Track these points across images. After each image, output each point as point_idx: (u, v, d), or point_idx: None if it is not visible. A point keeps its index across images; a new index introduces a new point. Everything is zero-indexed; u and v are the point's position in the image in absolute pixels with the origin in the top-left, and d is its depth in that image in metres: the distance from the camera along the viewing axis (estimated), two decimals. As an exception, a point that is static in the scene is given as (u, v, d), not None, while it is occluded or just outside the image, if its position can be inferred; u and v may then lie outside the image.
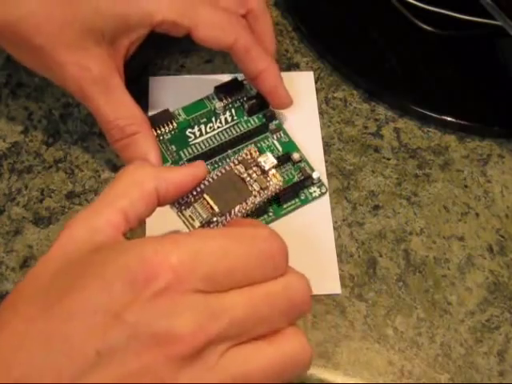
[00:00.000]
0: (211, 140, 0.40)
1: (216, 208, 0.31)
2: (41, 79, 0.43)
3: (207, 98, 0.41)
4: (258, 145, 0.40)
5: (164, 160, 0.39)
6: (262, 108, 0.41)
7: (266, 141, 0.40)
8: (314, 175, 0.38)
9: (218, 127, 0.40)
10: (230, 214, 0.32)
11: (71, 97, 0.42)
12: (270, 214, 0.38)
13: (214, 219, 0.31)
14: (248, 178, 0.33)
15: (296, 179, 0.39)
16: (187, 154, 0.39)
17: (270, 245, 0.26)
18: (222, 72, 0.44)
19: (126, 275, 0.24)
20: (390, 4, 0.46)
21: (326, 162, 0.40)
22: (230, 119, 0.40)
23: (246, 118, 0.41)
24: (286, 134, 0.40)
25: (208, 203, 0.32)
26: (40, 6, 0.35)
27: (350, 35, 0.46)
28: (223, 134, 0.40)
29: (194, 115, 0.40)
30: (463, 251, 0.38)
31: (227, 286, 0.25)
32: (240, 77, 0.41)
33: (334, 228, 0.38)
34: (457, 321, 0.35)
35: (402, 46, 0.45)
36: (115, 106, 0.36)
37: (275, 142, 0.40)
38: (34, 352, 0.23)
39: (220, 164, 0.39)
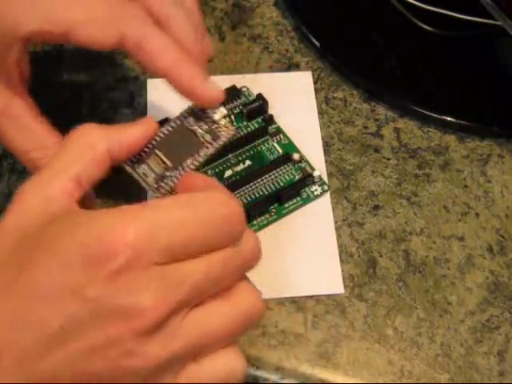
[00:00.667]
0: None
1: (169, 162, 0.31)
2: (41, 79, 0.43)
3: None
4: (259, 148, 0.40)
5: None
6: (260, 113, 0.41)
7: (266, 144, 0.40)
8: (315, 173, 0.39)
9: None
10: (182, 168, 0.31)
11: (71, 97, 0.42)
12: (272, 213, 0.38)
13: (167, 173, 0.31)
14: (199, 130, 0.32)
15: (297, 179, 0.39)
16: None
17: (226, 209, 0.26)
18: (222, 72, 0.44)
19: (85, 253, 0.24)
20: (390, 4, 0.46)
21: (326, 162, 0.40)
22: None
23: (245, 123, 0.41)
24: (285, 136, 0.40)
25: (160, 158, 0.31)
26: None
27: (350, 35, 0.46)
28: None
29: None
30: (463, 251, 0.38)
31: (186, 254, 0.25)
32: (238, 83, 0.41)
33: (334, 228, 0.38)
34: (457, 321, 0.35)
35: (401, 46, 0.45)
36: (23, 138, 0.33)
37: (275, 145, 0.40)
38: None
39: (221, 168, 0.39)
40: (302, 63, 0.44)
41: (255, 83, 0.42)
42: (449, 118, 0.42)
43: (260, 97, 0.41)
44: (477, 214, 0.39)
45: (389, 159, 0.41)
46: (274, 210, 0.38)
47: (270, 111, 0.41)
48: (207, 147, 0.32)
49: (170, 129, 0.32)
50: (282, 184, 0.38)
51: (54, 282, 0.24)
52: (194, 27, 0.33)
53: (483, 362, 0.34)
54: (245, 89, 0.42)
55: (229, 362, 0.27)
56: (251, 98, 0.41)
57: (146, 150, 0.31)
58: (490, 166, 0.41)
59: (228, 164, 0.39)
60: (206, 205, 0.26)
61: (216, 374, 0.26)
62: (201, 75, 0.32)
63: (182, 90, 0.32)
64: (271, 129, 0.41)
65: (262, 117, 0.41)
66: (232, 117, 0.41)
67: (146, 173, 0.31)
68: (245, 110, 0.40)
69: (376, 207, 0.39)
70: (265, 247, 0.37)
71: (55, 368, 0.24)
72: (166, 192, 0.31)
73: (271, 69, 0.44)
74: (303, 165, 0.39)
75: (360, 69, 0.44)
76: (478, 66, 0.44)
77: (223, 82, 0.42)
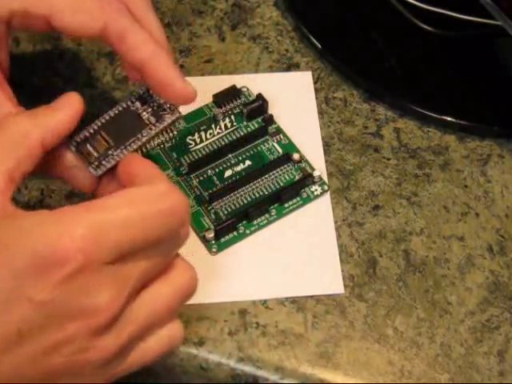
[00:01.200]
0: (212, 146, 0.40)
1: (112, 142, 0.32)
2: (41, 79, 0.43)
3: (206, 106, 0.41)
4: (259, 148, 0.40)
5: (165, 168, 0.39)
6: (260, 113, 0.41)
7: (265, 144, 0.40)
8: (315, 173, 0.39)
9: (218, 133, 0.40)
10: (125, 147, 0.32)
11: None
12: (273, 213, 0.38)
13: (109, 152, 0.32)
14: (144, 113, 0.33)
15: (297, 179, 0.39)
16: (188, 160, 0.39)
17: (169, 202, 0.27)
18: (222, 72, 0.44)
19: (35, 260, 0.24)
20: (390, 4, 0.46)
21: (326, 162, 0.40)
22: (229, 125, 0.40)
23: (245, 123, 0.41)
24: (285, 136, 0.40)
25: (104, 139, 0.32)
26: None
27: (350, 35, 0.46)
28: (223, 140, 0.40)
29: (193, 123, 0.40)
30: (463, 251, 0.38)
31: (134, 250, 0.26)
32: (238, 83, 0.42)
33: (334, 228, 0.38)
34: (457, 321, 0.35)
35: (401, 46, 0.45)
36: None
37: (275, 145, 0.40)
38: None
39: (221, 168, 0.39)
40: (301, 63, 0.44)
41: (255, 83, 0.42)
42: (449, 118, 0.42)
43: (260, 97, 0.41)
44: (477, 214, 0.39)
45: (389, 159, 0.41)
46: (274, 210, 0.38)
47: (270, 111, 0.41)
48: (150, 128, 0.33)
49: (116, 111, 0.33)
50: (281, 184, 0.38)
51: (6, 290, 0.24)
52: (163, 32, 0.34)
53: (483, 362, 0.34)
54: (245, 89, 0.42)
55: (170, 331, 0.29)
56: (251, 98, 0.41)
57: (91, 130, 0.32)
58: (490, 166, 0.41)
59: (228, 164, 0.39)
60: (148, 200, 0.27)
61: (161, 346, 0.29)
62: (177, 70, 0.32)
63: (158, 83, 0.32)
64: (271, 129, 0.41)
65: (262, 117, 0.41)
66: (232, 117, 0.41)
67: (90, 152, 0.32)
68: (245, 110, 0.40)
69: (376, 207, 0.39)
70: (265, 247, 0.37)
71: (16, 366, 0.25)
72: (105, 170, 0.32)
73: (271, 69, 0.44)
74: (303, 165, 0.39)
75: (360, 69, 0.44)
76: (478, 66, 0.44)
77: (223, 82, 0.42)
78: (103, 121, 0.33)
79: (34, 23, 0.32)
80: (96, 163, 0.32)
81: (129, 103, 0.33)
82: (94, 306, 0.25)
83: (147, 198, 0.27)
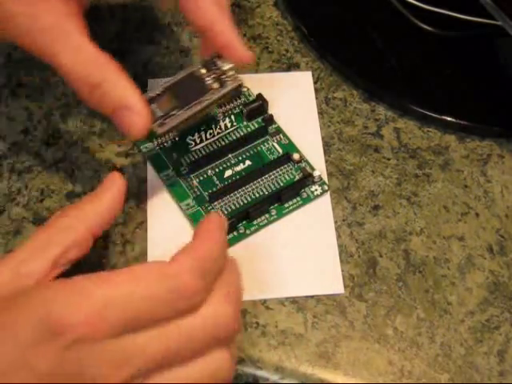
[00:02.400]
0: (212, 146, 0.40)
1: (176, 102, 0.35)
2: (41, 79, 0.43)
3: None
4: (259, 148, 0.40)
5: (165, 167, 0.39)
6: (260, 113, 0.41)
7: (265, 144, 0.40)
8: (315, 173, 0.39)
9: (218, 133, 0.40)
10: (188, 107, 0.35)
11: (71, 97, 0.42)
12: (273, 213, 0.38)
13: (174, 112, 0.34)
14: (207, 78, 0.36)
15: (297, 179, 0.39)
16: (188, 160, 0.39)
17: (178, 282, 0.27)
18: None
19: (38, 329, 0.25)
20: (390, 4, 0.46)
21: (326, 162, 0.40)
22: (229, 125, 0.41)
23: (245, 123, 0.41)
24: (285, 136, 0.40)
25: (168, 99, 0.35)
26: None
27: (350, 35, 0.46)
28: (223, 140, 0.40)
29: (193, 123, 0.40)
30: (463, 251, 0.38)
31: (139, 327, 0.26)
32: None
33: (334, 228, 0.38)
34: (457, 321, 0.35)
35: (401, 46, 0.45)
36: (74, 55, 0.32)
37: (275, 145, 0.40)
38: None
39: (221, 168, 0.39)
40: (301, 63, 0.44)
41: (255, 83, 0.42)
42: (449, 118, 0.42)
43: (260, 97, 0.41)
44: (477, 214, 0.39)
45: (389, 159, 0.41)
46: (274, 210, 0.38)
47: (270, 111, 0.41)
48: (213, 92, 0.35)
49: (181, 76, 0.36)
50: (282, 184, 0.38)
51: (9, 358, 0.25)
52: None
53: (483, 362, 0.34)
54: (245, 89, 0.42)
55: None
56: (251, 98, 0.41)
57: (157, 91, 0.35)
58: (490, 165, 0.41)
59: (228, 164, 0.39)
60: (156, 277, 0.27)
61: None
62: (237, 33, 0.35)
63: (222, 44, 0.35)
64: (271, 129, 0.41)
65: (262, 117, 0.41)
66: (232, 117, 0.41)
67: (154, 110, 0.34)
68: (245, 110, 0.40)
69: (376, 207, 0.39)
70: (265, 247, 0.37)
71: None
72: (168, 128, 0.34)
73: (271, 69, 0.44)
74: (303, 165, 0.39)
75: (360, 69, 0.44)
76: (478, 66, 0.44)
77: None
78: (169, 83, 0.35)
79: None
80: (160, 121, 0.34)
81: (194, 69, 0.36)
82: (91, 379, 0.25)
83: (155, 274, 0.27)
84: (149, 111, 0.33)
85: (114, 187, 0.32)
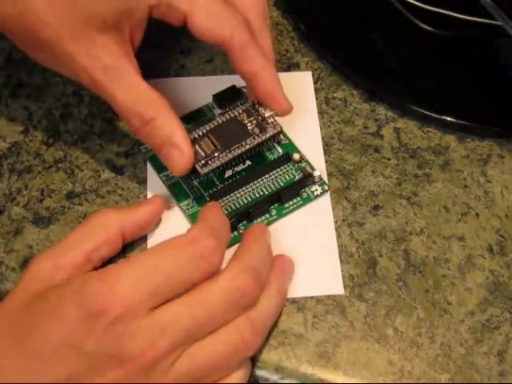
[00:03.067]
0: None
1: (218, 145, 0.37)
2: (41, 79, 0.43)
3: (206, 106, 0.41)
4: (259, 148, 0.40)
5: (164, 168, 0.38)
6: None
7: (266, 143, 0.40)
8: (315, 173, 0.39)
9: None
10: (230, 151, 0.37)
11: (71, 97, 0.42)
12: (273, 213, 0.38)
13: (216, 154, 0.36)
14: (249, 124, 0.38)
15: (297, 179, 0.39)
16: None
17: (197, 247, 0.30)
18: (222, 72, 0.44)
19: (80, 313, 0.28)
20: (390, 4, 0.46)
21: (326, 162, 0.40)
22: None
23: None
24: (285, 136, 0.40)
25: (212, 141, 0.37)
26: None
27: (350, 35, 0.46)
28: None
29: (193, 123, 0.40)
30: (463, 251, 0.38)
31: (168, 295, 0.29)
32: (238, 83, 0.41)
33: (334, 228, 0.38)
34: (457, 321, 0.35)
35: (401, 46, 0.45)
36: (129, 93, 0.35)
37: (275, 145, 0.40)
38: None
39: (221, 168, 0.39)
40: (301, 63, 0.44)
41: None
42: (449, 118, 0.42)
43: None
44: (477, 214, 0.39)
45: (389, 159, 0.41)
46: (274, 210, 0.38)
47: (270, 111, 0.41)
48: (254, 138, 0.37)
49: (224, 119, 0.38)
50: (282, 184, 0.38)
51: (56, 342, 0.28)
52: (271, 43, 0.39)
53: (483, 362, 0.34)
54: (244, 89, 0.42)
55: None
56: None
57: (200, 133, 0.37)
58: (490, 165, 0.41)
59: (228, 164, 0.39)
60: (176, 247, 0.30)
61: None
62: (279, 84, 0.37)
63: (264, 94, 0.37)
64: (271, 129, 0.41)
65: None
66: None
67: (197, 151, 0.36)
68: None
69: (376, 207, 0.39)
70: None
71: None
72: (211, 169, 0.36)
73: (271, 69, 0.44)
74: (303, 165, 0.39)
75: (360, 69, 0.44)
76: (478, 66, 0.44)
77: (223, 81, 0.42)
78: (212, 126, 0.37)
79: (172, 16, 0.35)
80: (203, 162, 0.36)
81: (236, 113, 0.38)
82: (128, 354, 0.28)
83: (175, 244, 0.30)
84: (192, 151, 0.35)
85: (154, 204, 0.36)
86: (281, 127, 0.38)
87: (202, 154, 0.36)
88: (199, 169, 0.36)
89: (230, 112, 0.38)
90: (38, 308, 0.29)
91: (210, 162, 0.36)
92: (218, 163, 0.36)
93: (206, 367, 0.30)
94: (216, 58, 0.44)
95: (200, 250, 0.30)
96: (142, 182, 0.39)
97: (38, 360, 0.28)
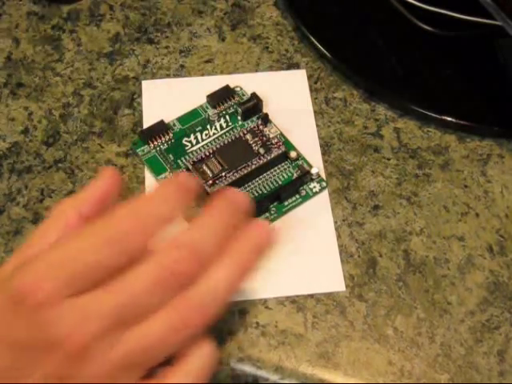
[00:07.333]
0: (208, 146, 0.40)
1: (225, 165, 0.38)
2: (41, 79, 0.43)
3: (201, 106, 0.41)
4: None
5: (162, 170, 0.39)
6: (255, 112, 0.41)
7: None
8: (313, 171, 0.39)
9: (214, 133, 0.40)
10: (236, 171, 0.38)
11: (71, 97, 0.42)
12: (273, 212, 0.38)
13: (223, 174, 0.37)
14: (254, 144, 0.39)
15: (295, 176, 0.39)
16: (185, 162, 0.39)
17: (118, 228, 0.28)
18: (222, 72, 0.44)
19: (6, 300, 0.27)
20: (390, 4, 0.46)
21: (325, 162, 0.40)
22: (224, 125, 0.40)
23: (240, 122, 0.41)
24: (282, 134, 0.40)
25: (218, 161, 0.38)
26: None
27: (350, 35, 0.46)
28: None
29: (188, 124, 0.41)
30: (463, 251, 0.38)
31: (93, 281, 0.27)
32: (231, 83, 0.41)
33: (334, 228, 0.38)
34: (457, 321, 0.35)
35: (401, 46, 0.45)
36: None
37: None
38: None
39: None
40: (301, 63, 0.44)
41: (250, 82, 0.42)
42: (449, 118, 0.42)
43: (254, 96, 0.41)
44: (477, 214, 0.39)
45: (389, 159, 0.41)
46: (273, 209, 0.38)
47: (265, 110, 0.41)
48: (260, 158, 0.38)
49: (230, 140, 0.39)
50: (280, 182, 0.38)
51: None
52: None
53: (483, 362, 0.34)
54: (238, 88, 0.42)
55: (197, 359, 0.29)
56: (245, 98, 0.41)
57: (207, 153, 0.38)
58: (490, 165, 0.41)
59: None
60: (96, 230, 0.28)
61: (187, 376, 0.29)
62: None
63: None
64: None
65: (257, 116, 0.41)
66: (227, 116, 0.41)
67: (205, 171, 0.38)
68: (240, 110, 0.40)
69: (376, 207, 0.39)
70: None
71: None
72: (219, 188, 0.37)
73: (271, 69, 0.44)
74: (300, 162, 0.39)
75: (360, 69, 0.44)
76: (478, 66, 0.44)
77: (223, 81, 0.42)
78: (218, 146, 0.38)
79: None
80: (211, 182, 0.37)
81: (241, 134, 0.39)
82: (56, 339, 0.26)
83: (96, 227, 0.28)
84: None
85: (105, 177, 0.33)
86: (285, 148, 0.39)
87: (210, 174, 0.37)
88: (207, 188, 0.37)
89: (235, 133, 0.39)
90: None
91: (217, 181, 0.37)
92: (225, 183, 0.37)
93: (144, 350, 0.28)
94: (216, 58, 0.44)
95: (121, 232, 0.28)
96: (142, 182, 0.39)
97: None
